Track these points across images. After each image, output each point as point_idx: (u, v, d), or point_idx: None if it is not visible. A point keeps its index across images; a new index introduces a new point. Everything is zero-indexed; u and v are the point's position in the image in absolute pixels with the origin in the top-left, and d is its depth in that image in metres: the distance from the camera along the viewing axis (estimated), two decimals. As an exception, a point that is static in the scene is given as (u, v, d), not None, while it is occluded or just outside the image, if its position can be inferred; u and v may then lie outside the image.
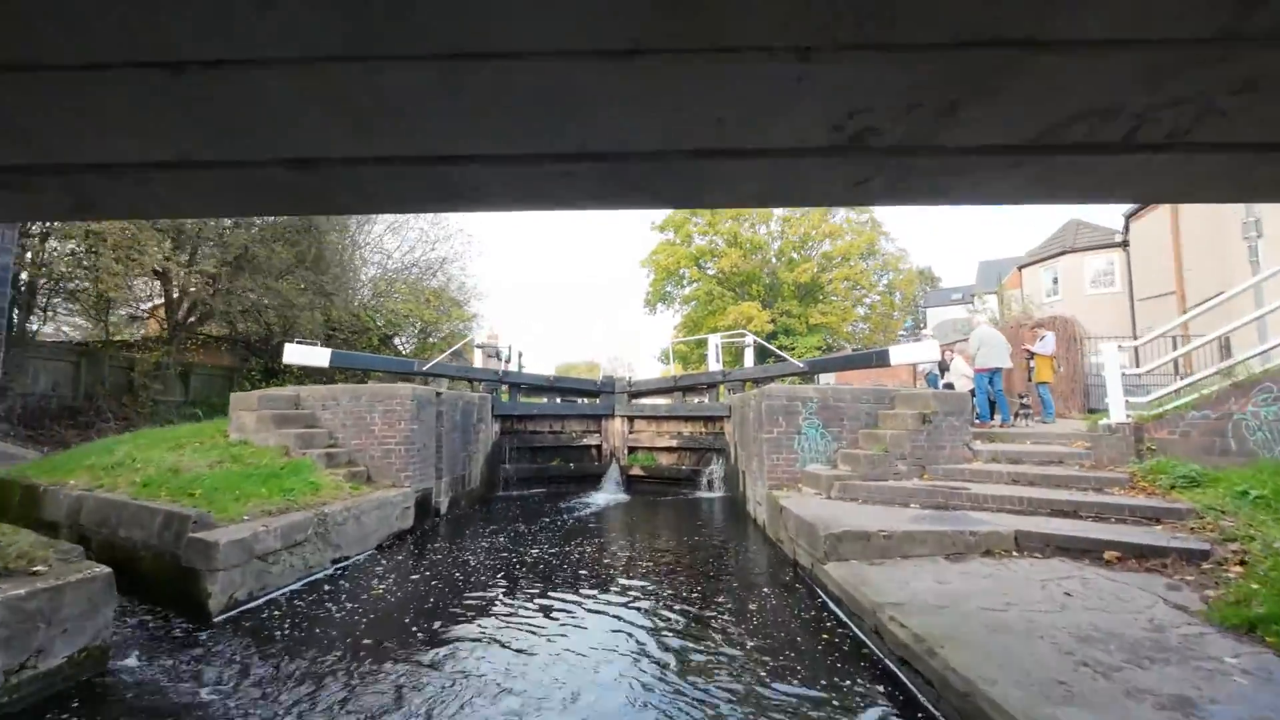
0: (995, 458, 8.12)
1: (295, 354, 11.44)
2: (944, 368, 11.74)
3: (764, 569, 6.75)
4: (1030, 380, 10.78)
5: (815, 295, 34.30)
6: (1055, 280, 19.44)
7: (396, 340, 23.85)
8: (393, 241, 25.28)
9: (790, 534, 6.77)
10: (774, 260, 32.27)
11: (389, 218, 24.28)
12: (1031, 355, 10.51)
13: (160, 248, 12.32)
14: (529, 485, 13.08)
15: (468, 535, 8.45)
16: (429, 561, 6.98)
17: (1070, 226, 20.12)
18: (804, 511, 6.57)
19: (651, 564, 6.99)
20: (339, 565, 6.46)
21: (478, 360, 13.46)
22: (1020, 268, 20.72)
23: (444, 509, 9.70)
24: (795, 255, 33.07)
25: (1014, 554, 5.42)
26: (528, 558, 7.24)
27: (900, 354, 11.36)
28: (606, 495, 12.60)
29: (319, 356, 11.52)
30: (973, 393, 9.97)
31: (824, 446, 8.41)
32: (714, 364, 13.60)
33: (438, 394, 9.57)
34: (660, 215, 35.76)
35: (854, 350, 39.26)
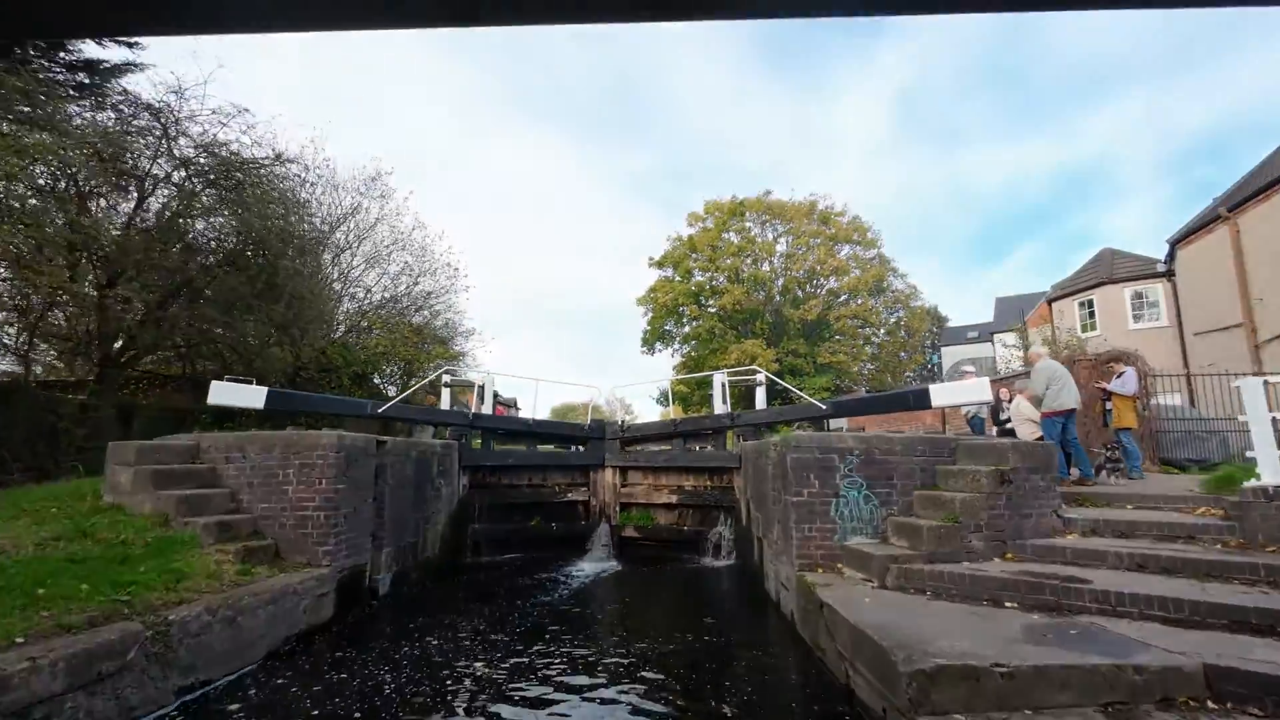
0: (1095, 528, 6.20)
1: (223, 393, 9.60)
2: (996, 410, 9.88)
3: (803, 702, 4.73)
4: (1107, 425, 8.91)
5: (822, 333, 32.68)
6: (1092, 314, 17.74)
7: (377, 380, 22.05)
8: (372, 276, 23.77)
9: (841, 648, 4.78)
10: (778, 297, 30.75)
11: (368, 249, 22.82)
12: (1108, 396, 8.66)
13: (59, 269, 10.57)
14: (502, 549, 11.06)
15: (406, 631, 6.42)
16: (334, 682, 4.96)
17: (1105, 256, 18.56)
18: (860, 616, 4.62)
19: (643, 692, 4.97)
20: (190, 697, 4.45)
21: (445, 401, 11.57)
22: (1049, 301, 19.07)
23: (384, 589, 7.68)
24: (800, 292, 31.57)
25: (1209, 705, 3.45)
26: (475, 670, 5.24)
27: (944, 394, 9.50)
28: (593, 563, 10.56)
29: (252, 396, 9.69)
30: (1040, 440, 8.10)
31: (869, 513, 6.48)
32: (720, 405, 11.72)
33: (379, 443, 7.67)
34: (658, 250, 34.52)
35: (868, 391, 37.53)
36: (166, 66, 26.61)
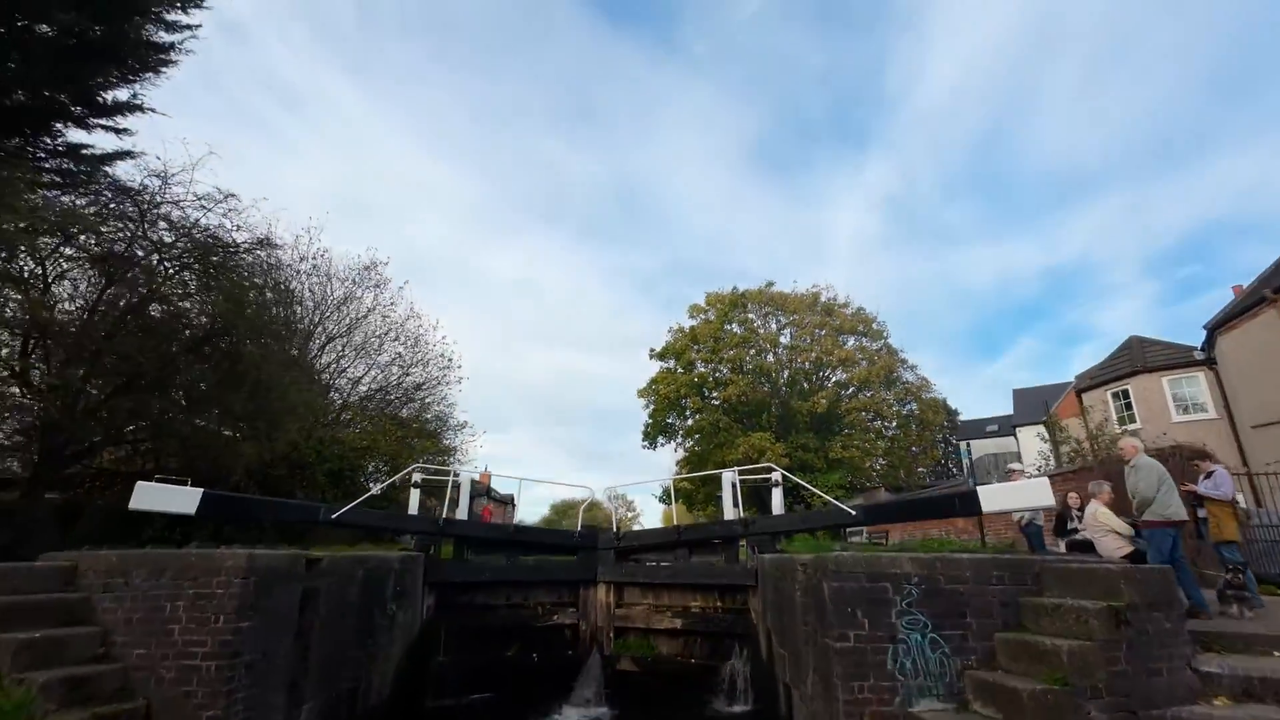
0: (1249, 689, 4.59)
1: (148, 496, 8.20)
2: (1062, 518, 8.35)
3: None
4: (1202, 538, 7.37)
5: (832, 427, 31.17)
6: (1128, 405, 16.42)
7: (362, 478, 20.46)
8: (362, 366, 22.79)
9: None
10: (784, 389, 29.58)
11: (359, 339, 21.97)
12: (1200, 501, 7.18)
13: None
14: (473, 687, 9.14)
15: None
16: None
17: (1134, 344, 17.49)
18: None
19: None
20: None
21: (413, 504, 10.01)
22: (1078, 392, 17.81)
23: (301, 761, 5.87)
24: (806, 384, 30.44)
25: None
26: None
27: (997, 498, 8.00)
28: (581, 709, 8.63)
29: (183, 500, 8.27)
30: (1130, 557, 6.57)
31: (939, 664, 4.88)
32: (730, 509, 10.17)
33: (310, 562, 6.15)
34: (659, 341, 33.81)
35: (887, 491, 35.45)
36: (164, 153, 27.11)
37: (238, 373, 12.05)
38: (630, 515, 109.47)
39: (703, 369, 30.96)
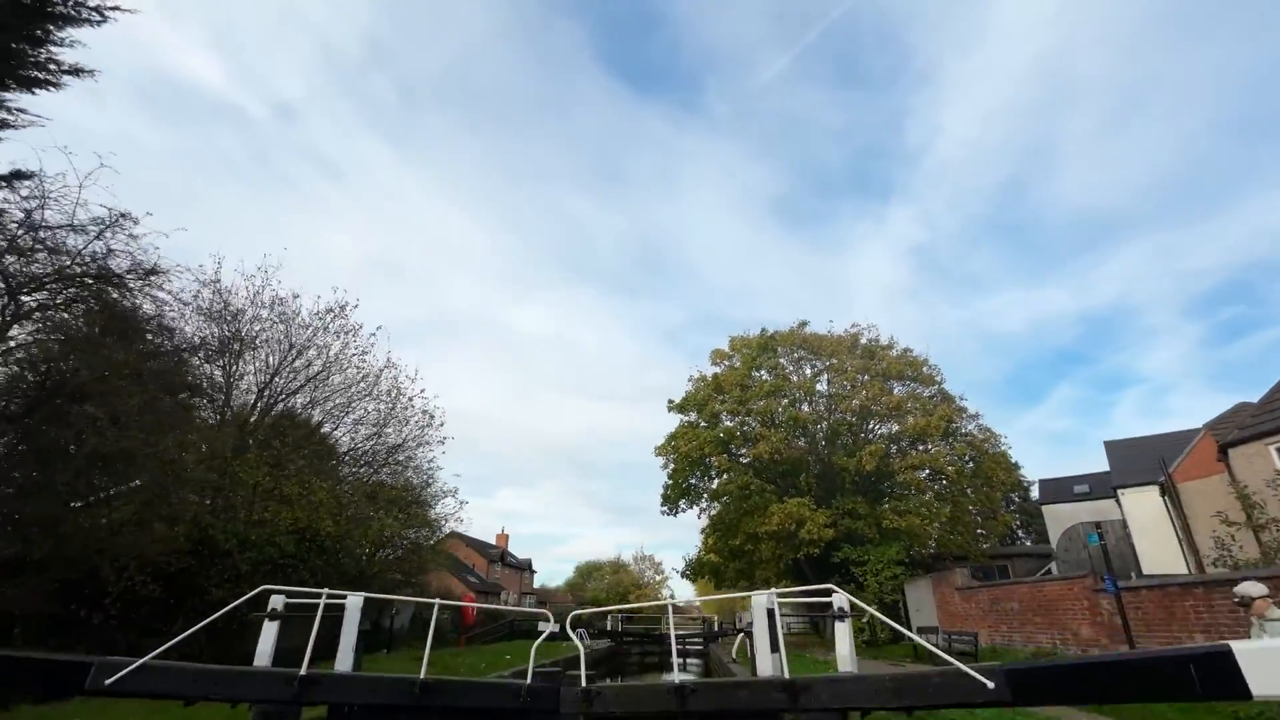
0: None
1: None
2: None
3: None
4: None
5: (882, 488, 26.66)
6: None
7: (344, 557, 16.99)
8: (327, 427, 19.57)
9: None
10: (824, 444, 25.42)
11: (319, 394, 18.84)
12: None
13: None
14: None
15: None
16: None
17: None
18: None
19: None
20: None
21: (263, 648, 6.33)
22: (1225, 446, 13.48)
23: None
24: (851, 438, 26.23)
25: None
26: None
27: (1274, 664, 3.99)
28: None
29: None
30: None
31: None
32: (765, 657, 6.29)
33: None
34: (679, 392, 30.13)
35: (935, 555, 30.60)
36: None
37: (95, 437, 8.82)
38: (659, 579, 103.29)
39: (729, 423, 27.03)
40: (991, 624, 15.48)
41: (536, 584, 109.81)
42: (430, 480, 22.93)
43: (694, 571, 29.81)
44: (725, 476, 25.59)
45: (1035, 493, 33.30)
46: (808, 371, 28.33)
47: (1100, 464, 24.07)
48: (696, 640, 34.08)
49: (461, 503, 24.45)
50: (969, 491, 25.45)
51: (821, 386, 26.95)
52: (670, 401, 29.45)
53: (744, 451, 24.63)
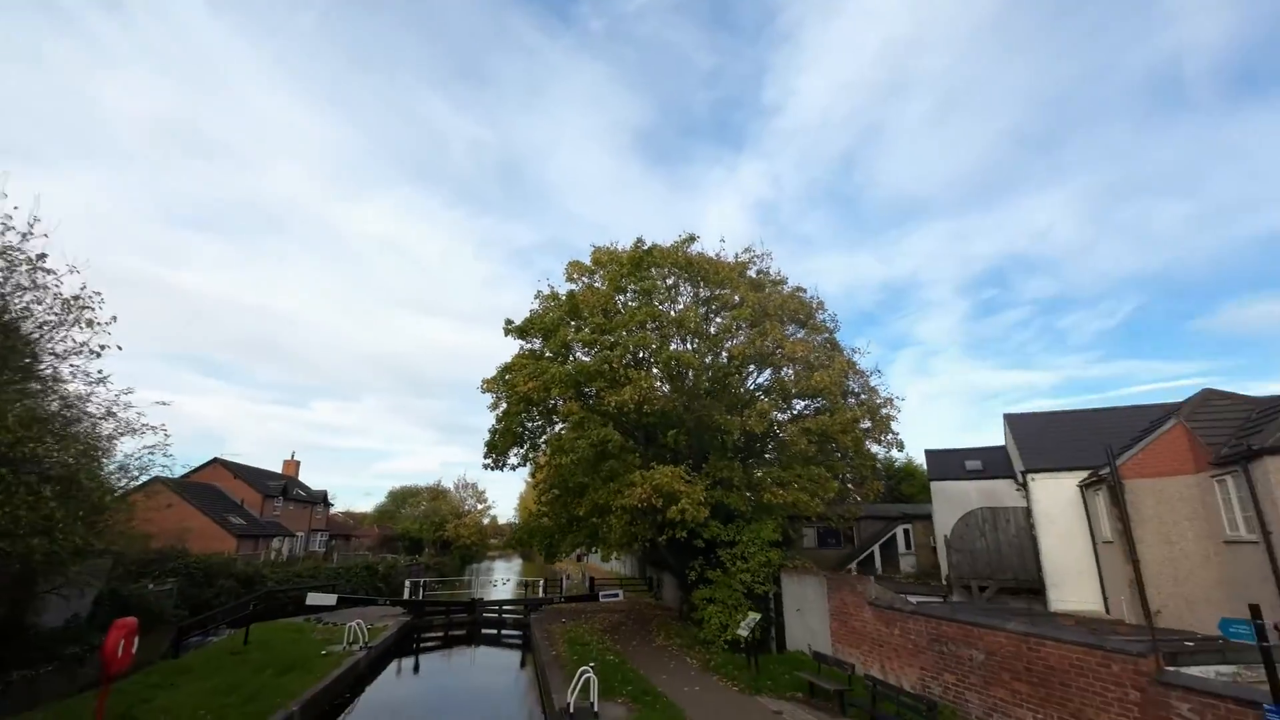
0: None
1: None
2: None
3: None
4: None
5: (764, 454, 22.28)
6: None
7: None
8: None
9: None
10: (703, 394, 20.10)
11: None
12: None
13: None
14: None
15: None
16: None
17: None
18: None
19: None
20: None
21: None
22: (1263, 451, 9.91)
23: None
24: (737, 391, 21.26)
25: None
26: None
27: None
28: None
29: None
30: None
31: None
32: None
33: None
34: (520, 309, 22.87)
35: (821, 530, 27.78)
36: None
37: None
38: (481, 507, 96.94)
39: (585, 358, 20.60)
40: (929, 668, 11.34)
41: (342, 508, 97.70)
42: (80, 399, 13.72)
43: (519, 539, 23.68)
44: (576, 428, 19.32)
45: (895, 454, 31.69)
46: (685, 298, 22.61)
47: (966, 436, 21.77)
48: (515, 609, 28.51)
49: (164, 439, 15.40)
50: (857, 458, 22.01)
51: (710, 325, 21.37)
52: (508, 323, 22.14)
53: (606, 397, 18.45)
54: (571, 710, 11.55)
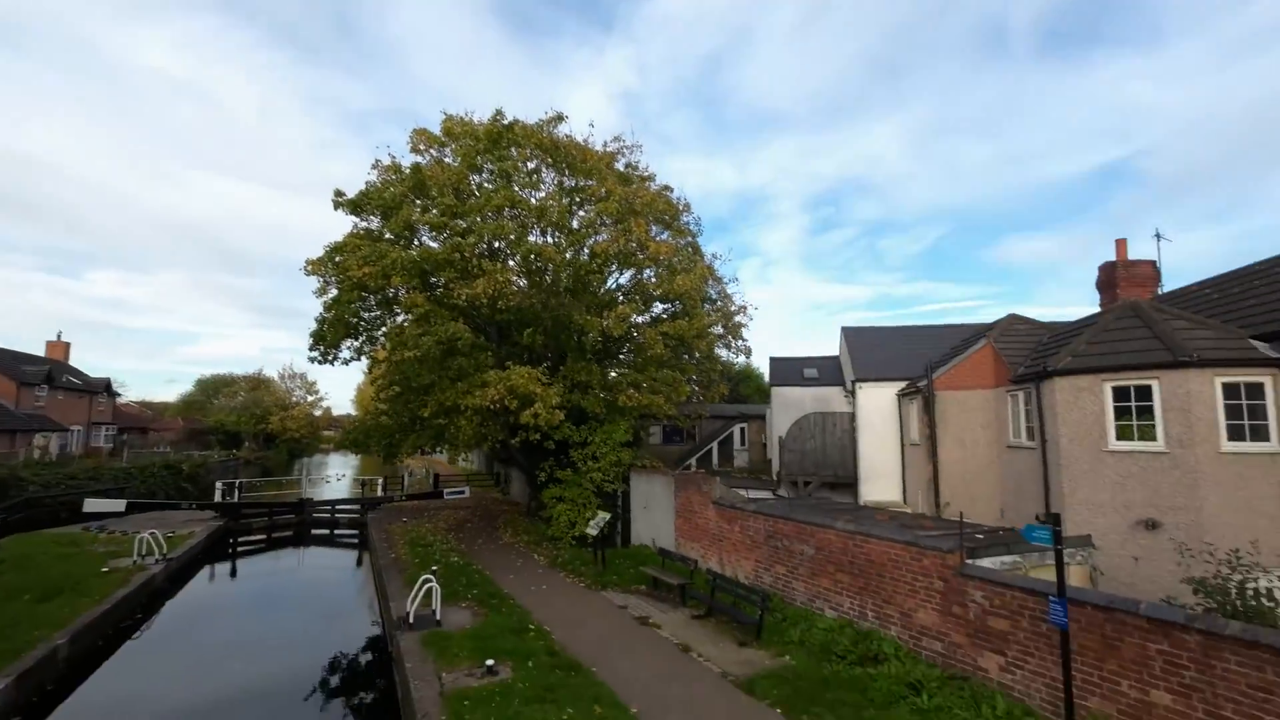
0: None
1: None
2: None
3: None
4: None
5: (620, 356, 22.05)
6: (1147, 414, 10.36)
7: None
8: None
9: None
10: (563, 292, 19.04)
11: None
12: None
13: None
14: None
15: None
16: None
17: (1144, 314, 11.39)
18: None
19: None
20: None
21: None
22: (1052, 373, 11.40)
23: None
24: (599, 290, 20.40)
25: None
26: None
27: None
28: None
29: None
30: None
31: None
32: None
33: None
34: (356, 182, 19.63)
35: (667, 429, 28.68)
36: None
37: None
38: (312, 399, 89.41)
39: (433, 244, 18.37)
40: (763, 562, 12.23)
41: (135, 397, 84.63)
42: None
43: (354, 440, 21.78)
44: (420, 322, 17.45)
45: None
46: (551, 187, 20.82)
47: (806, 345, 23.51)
48: (351, 509, 26.90)
49: None
50: (701, 361, 22.65)
51: (572, 217, 19.91)
52: (339, 195, 18.94)
53: (456, 289, 16.68)
54: (412, 620, 10.95)
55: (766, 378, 26.89)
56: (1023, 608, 7.53)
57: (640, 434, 23.99)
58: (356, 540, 24.87)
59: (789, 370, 22.50)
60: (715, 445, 29.63)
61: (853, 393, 19.25)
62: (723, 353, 23.57)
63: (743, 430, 30.78)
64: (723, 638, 10.36)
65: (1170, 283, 16.43)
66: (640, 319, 21.46)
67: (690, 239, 22.94)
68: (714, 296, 23.10)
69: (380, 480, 31.56)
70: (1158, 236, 16.28)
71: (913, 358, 18.56)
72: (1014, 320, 15.93)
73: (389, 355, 19.78)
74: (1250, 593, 7.31)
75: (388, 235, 18.87)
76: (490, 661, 8.80)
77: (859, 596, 10.00)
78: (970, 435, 15.05)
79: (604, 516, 15.99)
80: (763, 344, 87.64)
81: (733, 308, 22.07)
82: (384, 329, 20.57)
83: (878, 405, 18.63)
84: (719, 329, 22.01)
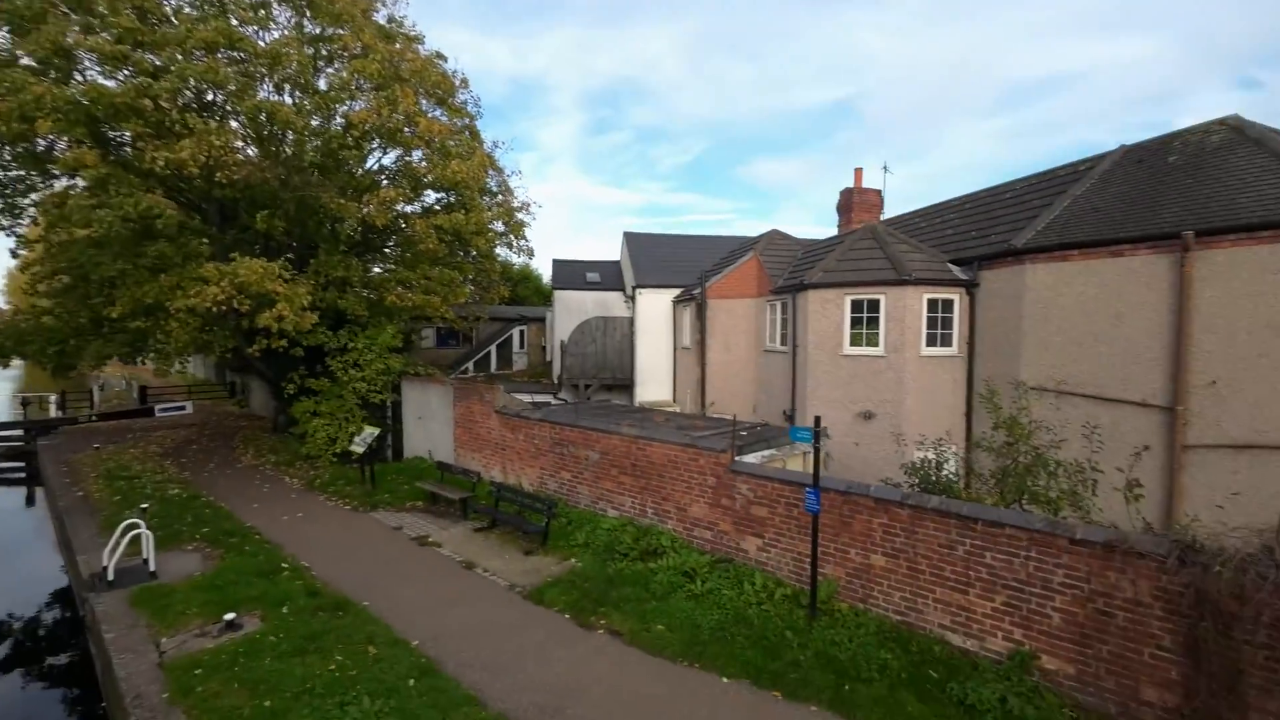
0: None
1: None
2: None
3: None
4: None
5: (384, 249, 19.44)
6: (873, 322, 12.21)
7: None
8: None
9: None
10: (309, 168, 15.66)
11: None
12: None
13: None
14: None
15: None
16: None
17: (879, 236, 13.11)
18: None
19: None
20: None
21: None
22: (807, 286, 12.74)
23: None
24: (355, 170, 17.18)
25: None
26: None
27: None
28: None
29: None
30: None
31: None
32: None
33: None
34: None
35: (443, 331, 26.94)
36: None
37: None
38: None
39: (108, 82, 13.47)
40: (548, 468, 12.14)
41: None
42: None
43: (2, 347, 16.12)
44: (96, 190, 13.00)
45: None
46: (287, 29, 16.51)
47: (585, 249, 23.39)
48: (10, 435, 20.65)
49: None
50: (480, 260, 21.08)
51: (317, 72, 16.14)
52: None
53: (143, 148, 12.54)
54: (111, 576, 8.72)
55: (546, 279, 26.30)
56: (779, 496, 8.53)
57: (412, 338, 22.00)
58: (24, 475, 19.32)
59: (571, 273, 22.15)
60: (494, 348, 28.64)
61: (633, 298, 19.70)
62: (503, 252, 22.21)
63: (522, 333, 30.17)
64: (508, 549, 10.19)
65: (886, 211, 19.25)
66: (409, 208, 18.94)
67: (468, 121, 20.44)
68: (494, 189, 21.24)
69: (54, 397, 24.45)
70: (885, 169, 18.91)
71: (688, 266, 19.49)
72: (775, 236, 17.46)
73: (48, 234, 14.64)
74: (945, 474, 9.21)
75: (26, 60, 13.30)
76: (231, 615, 7.39)
77: (640, 496, 10.52)
78: (734, 340, 16.49)
79: (371, 431, 14.42)
80: (541, 244, 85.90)
81: (515, 203, 20.60)
82: (36, 195, 15.08)
83: (655, 311, 19.40)
84: (500, 226, 20.50)
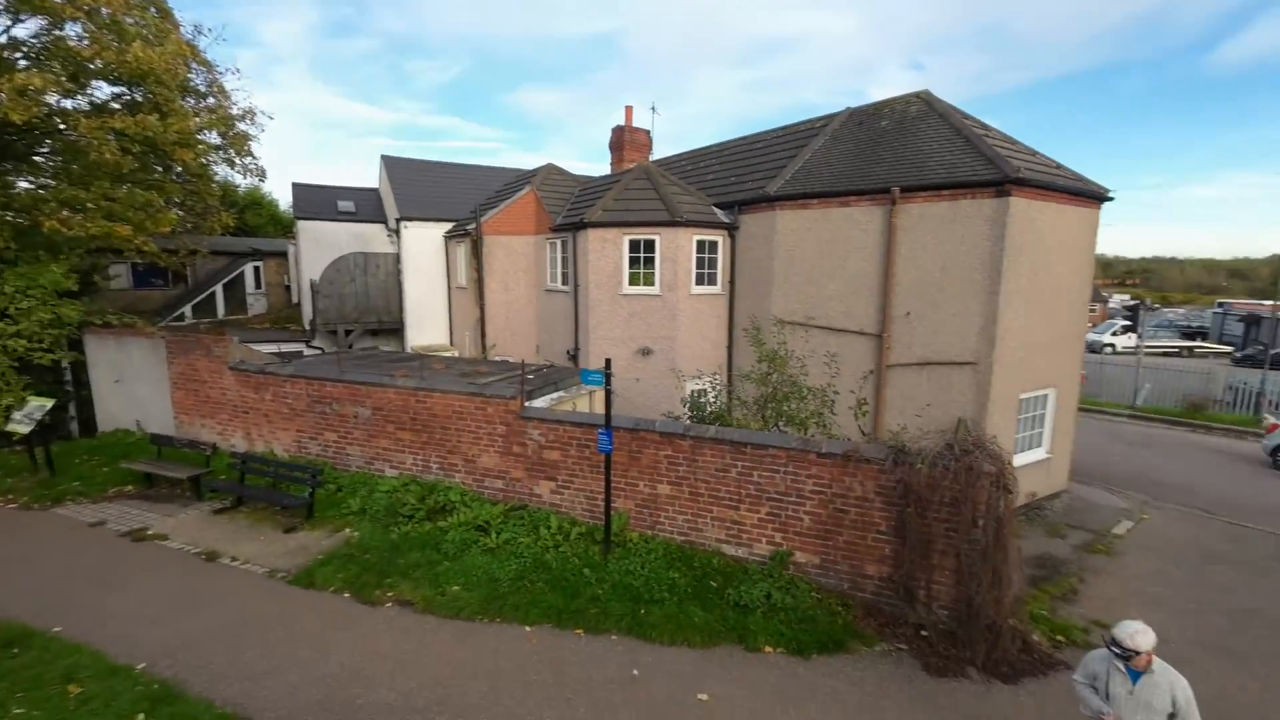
0: None
1: None
2: None
3: None
4: None
5: (30, 157, 14.50)
6: (650, 262, 12.68)
7: None
8: None
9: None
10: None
11: None
12: None
13: None
14: None
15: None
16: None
17: (652, 177, 13.43)
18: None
19: None
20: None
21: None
22: (587, 225, 12.61)
23: None
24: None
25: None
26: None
27: None
28: None
29: None
30: None
31: None
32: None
33: None
34: None
35: (140, 269, 22.13)
36: None
37: None
38: None
39: None
40: (307, 431, 10.48)
41: None
42: None
43: None
44: None
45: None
46: None
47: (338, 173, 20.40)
48: None
49: None
50: (189, 180, 16.89)
51: None
52: None
53: None
54: None
55: (285, 206, 22.29)
56: (572, 439, 8.58)
57: (94, 278, 17.10)
58: None
59: (319, 201, 18.99)
60: (219, 288, 23.74)
61: (397, 232, 17.71)
62: (223, 171, 18.03)
63: (257, 270, 25.41)
64: (263, 529, 8.74)
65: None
66: (69, 103, 14.17)
67: (155, 3, 15.70)
68: (202, 89, 16.90)
69: None
70: (653, 109, 19.39)
71: (459, 198, 18.05)
72: (552, 171, 16.94)
73: None
74: (716, 403, 10.09)
75: None
76: None
77: (423, 451, 9.76)
78: (514, 279, 15.90)
79: (40, 404, 11.00)
80: (277, 166, 72.15)
81: (235, 110, 16.68)
82: None
83: (424, 246, 17.74)
84: (215, 137, 16.51)
